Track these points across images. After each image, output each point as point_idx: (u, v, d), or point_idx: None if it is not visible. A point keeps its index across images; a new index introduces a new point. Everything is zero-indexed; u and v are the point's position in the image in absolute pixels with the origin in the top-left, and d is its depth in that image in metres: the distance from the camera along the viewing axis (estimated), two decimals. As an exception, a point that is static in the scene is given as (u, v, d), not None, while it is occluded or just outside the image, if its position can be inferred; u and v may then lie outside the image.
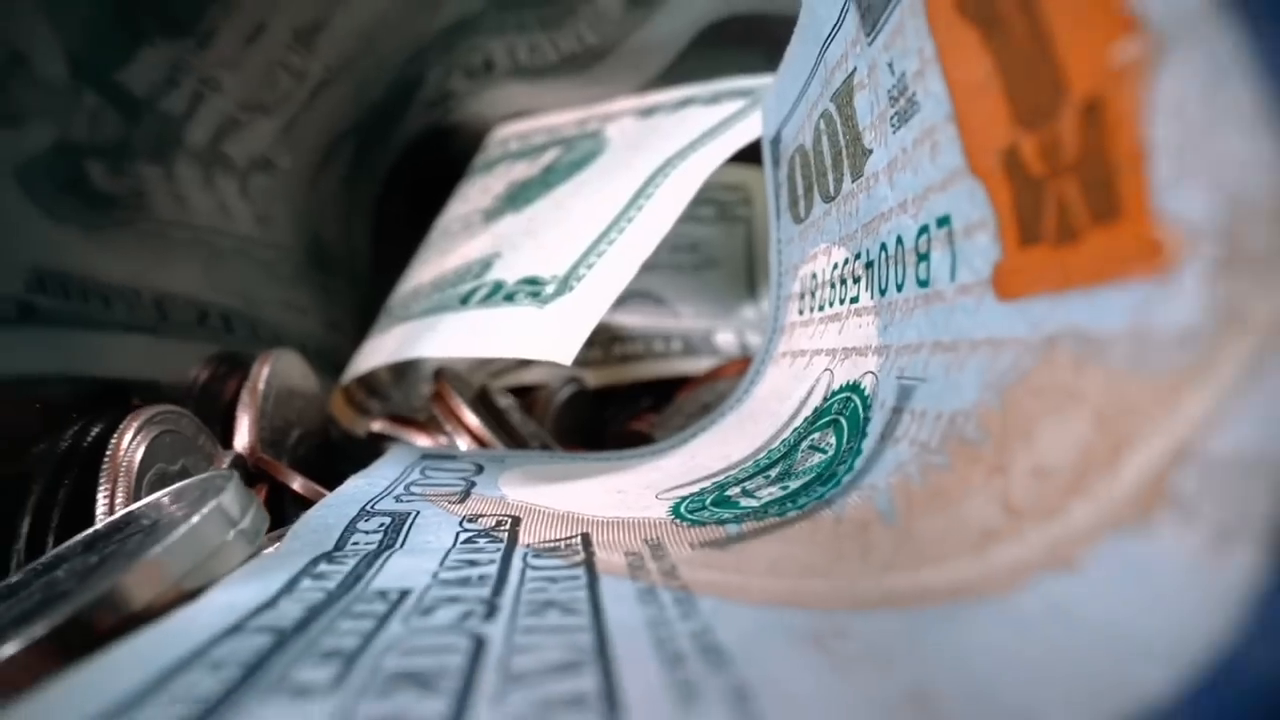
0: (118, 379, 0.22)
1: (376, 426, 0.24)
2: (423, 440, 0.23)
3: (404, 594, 0.10)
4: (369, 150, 0.35)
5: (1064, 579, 0.07)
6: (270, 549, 0.13)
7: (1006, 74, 0.09)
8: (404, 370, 0.30)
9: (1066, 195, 0.08)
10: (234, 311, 0.27)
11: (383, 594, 0.10)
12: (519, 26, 0.31)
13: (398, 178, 0.36)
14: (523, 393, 0.29)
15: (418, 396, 0.30)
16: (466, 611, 0.09)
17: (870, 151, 0.14)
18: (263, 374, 0.22)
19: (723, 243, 0.35)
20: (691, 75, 0.30)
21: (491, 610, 0.09)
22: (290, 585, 0.10)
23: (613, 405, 0.32)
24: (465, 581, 0.10)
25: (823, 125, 0.16)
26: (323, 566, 0.11)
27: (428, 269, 0.26)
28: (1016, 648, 0.07)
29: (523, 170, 0.29)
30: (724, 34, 0.30)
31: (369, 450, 0.25)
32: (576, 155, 0.27)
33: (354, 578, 0.11)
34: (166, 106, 0.24)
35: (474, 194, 0.30)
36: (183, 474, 0.17)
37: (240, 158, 0.29)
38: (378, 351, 0.24)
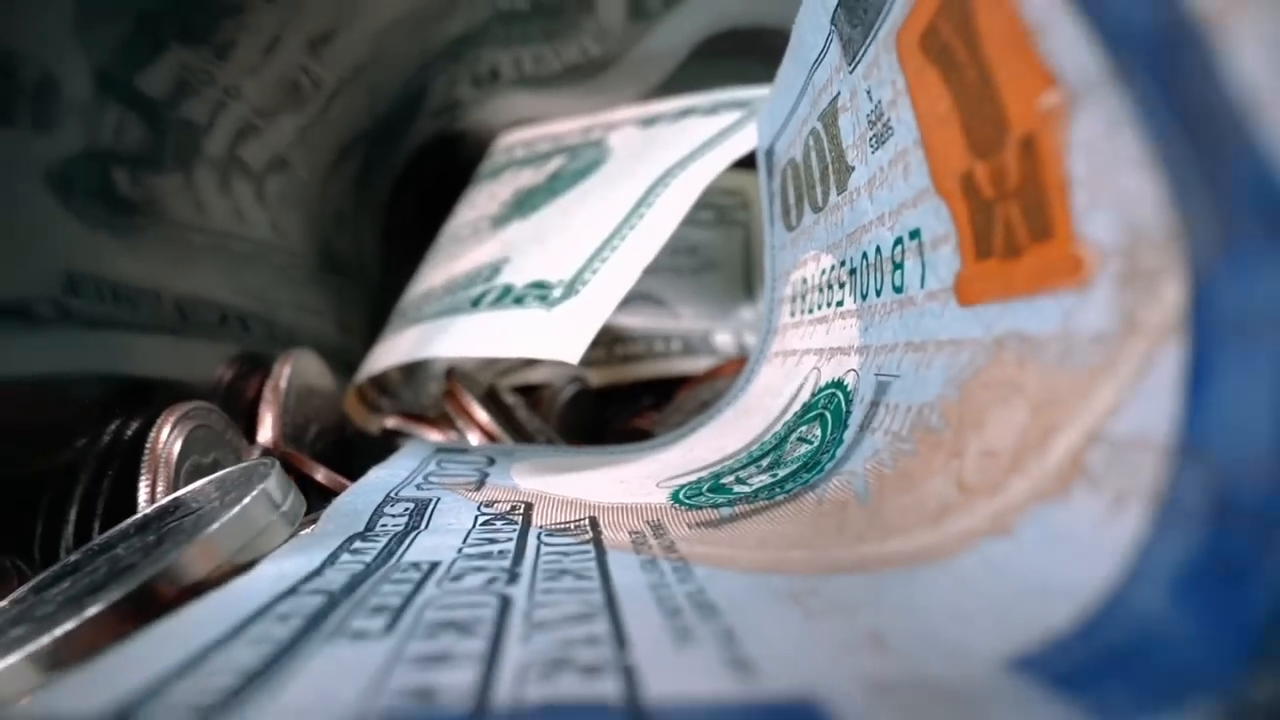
0: (145, 378, 0.23)
1: (390, 423, 0.25)
2: (434, 436, 0.24)
3: (434, 565, 0.11)
4: (378, 157, 0.36)
5: (1000, 542, 0.09)
6: (305, 531, 0.14)
7: (962, 109, 0.10)
8: (414, 370, 0.31)
9: (1011, 216, 0.10)
10: (252, 313, 0.29)
11: (415, 565, 0.11)
12: (524, 38, 0.33)
13: (406, 183, 0.37)
14: (528, 392, 0.31)
15: (426, 395, 0.31)
16: (491, 578, 0.10)
17: (853, 168, 0.15)
18: (284, 372, 0.23)
19: (721, 246, 0.36)
20: (692, 84, 0.31)
21: (513, 577, 0.10)
22: (331, 559, 0.12)
23: (615, 404, 0.33)
24: (487, 555, 0.12)
25: (811, 141, 0.17)
26: (357, 544, 0.13)
27: (439, 272, 0.28)
28: (957, 598, 0.08)
29: (529, 178, 0.30)
30: (722, 45, 0.32)
31: (382, 446, 0.26)
32: (580, 164, 0.28)
33: (387, 553, 0.12)
34: (188, 114, 0.26)
35: (482, 200, 0.31)
36: (215, 466, 0.19)
37: (256, 164, 0.30)
38: (392, 351, 0.25)
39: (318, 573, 0.11)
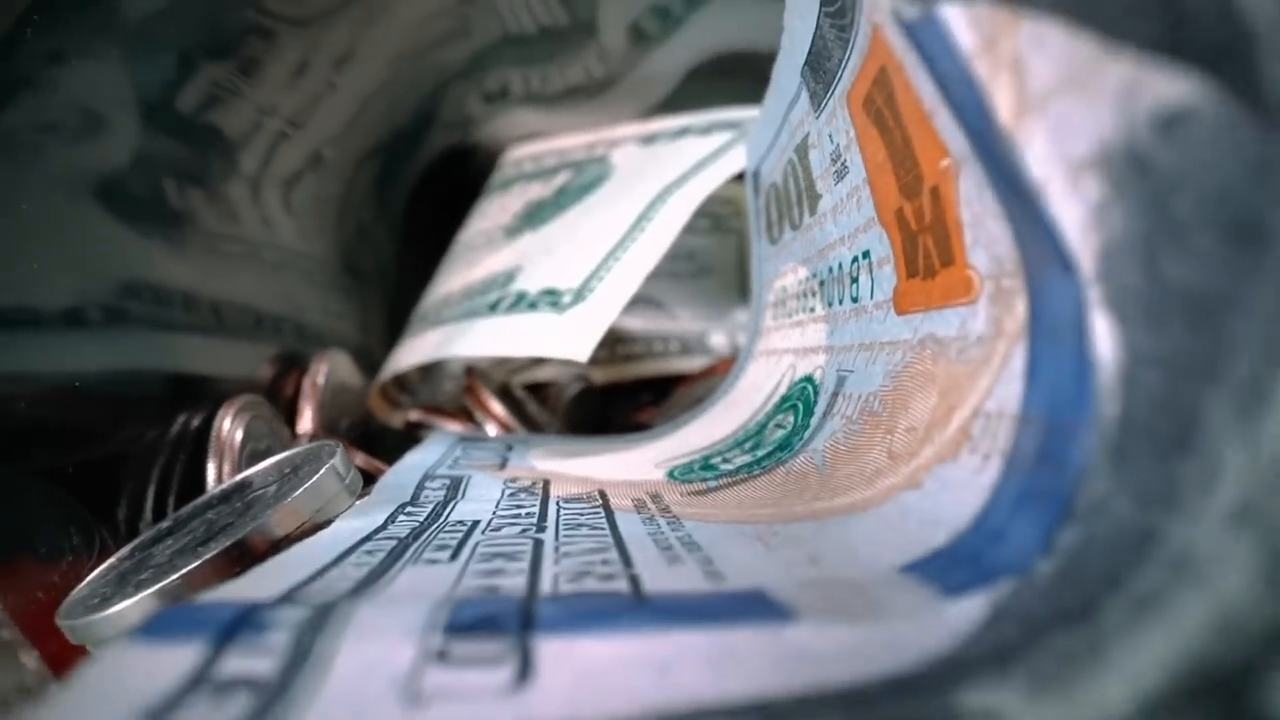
0: (197, 374, 0.26)
1: (414, 416, 0.28)
2: (454, 427, 0.27)
3: (476, 522, 0.14)
4: (395, 168, 0.39)
5: (912, 493, 0.12)
6: (359, 502, 0.17)
7: (893, 160, 0.13)
8: (431, 369, 0.34)
9: (928, 246, 0.13)
10: (283, 317, 0.32)
11: (460, 522, 0.14)
12: (531, 59, 0.36)
13: (421, 194, 0.40)
14: (537, 389, 0.34)
15: (442, 392, 0.34)
16: (524, 528, 0.13)
17: (820, 196, 0.18)
18: (321, 370, 0.26)
19: (716, 252, 0.39)
20: (689, 102, 0.34)
21: (540, 528, 0.13)
22: (390, 519, 0.15)
23: (617, 400, 0.36)
24: (517, 516, 0.15)
25: (789, 169, 0.20)
26: (409, 508, 0.16)
27: (456, 279, 0.31)
28: (876, 533, 0.11)
29: (537, 191, 0.33)
30: (716, 67, 0.35)
31: (405, 438, 0.29)
32: (586, 179, 0.31)
33: (435, 515, 0.15)
34: (228, 132, 0.29)
35: (493, 211, 0.34)
36: (268, 452, 0.22)
37: (285, 176, 0.33)
38: (416, 351, 0.28)
39: (383, 528, 0.14)
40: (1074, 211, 0.08)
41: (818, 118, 0.17)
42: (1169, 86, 0.07)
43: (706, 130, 0.31)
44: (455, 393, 0.33)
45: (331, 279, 0.36)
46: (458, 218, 0.38)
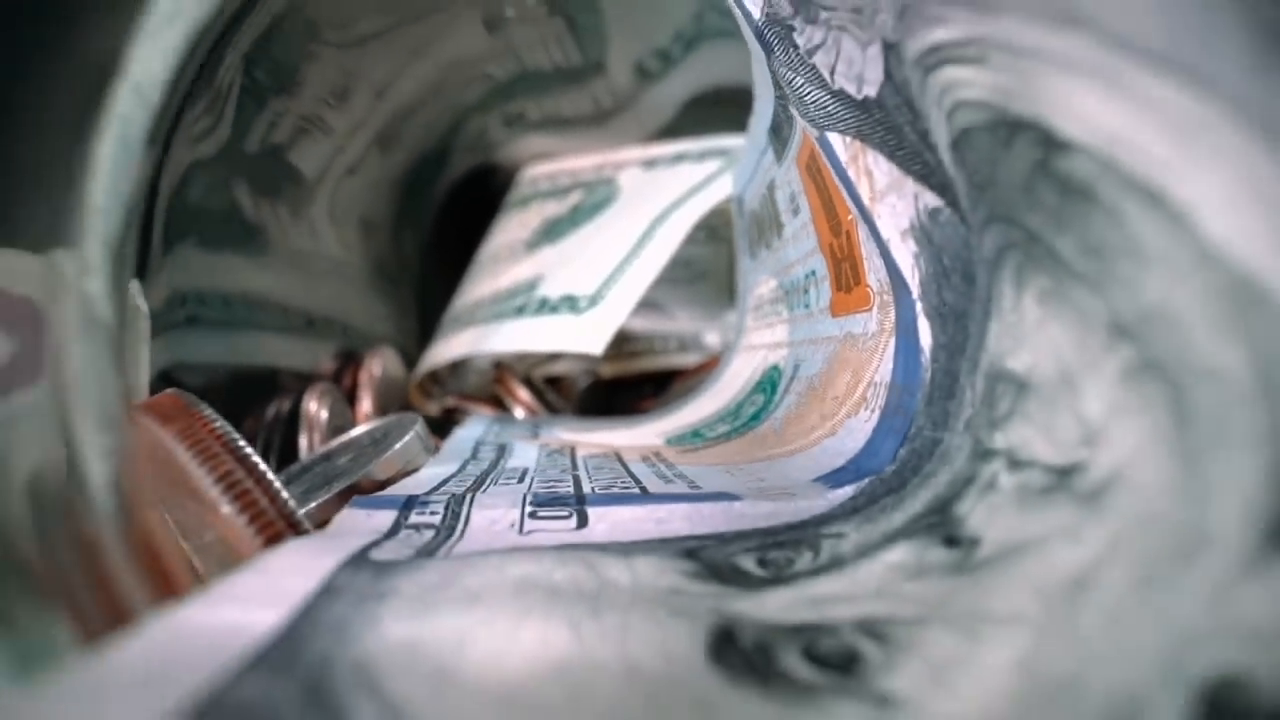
0: (270, 367, 0.32)
1: (451, 403, 0.34)
2: (486, 412, 0.34)
3: (526, 468, 0.20)
4: (423, 186, 0.45)
5: (831, 439, 0.18)
6: (431, 459, 0.23)
7: (824, 208, 0.19)
8: (459, 365, 0.41)
9: (846, 270, 0.19)
10: (330, 317, 0.38)
11: (514, 468, 0.20)
12: (546, 91, 0.42)
13: (447, 208, 0.46)
14: (552, 382, 0.40)
15: (468, 384, 0.41)
16: (562, 469, 0.20)
17: (784, 225, 0.24)
18: (376, 363, 0.32)
19: (711, 260, 0.45)
20: (686, 129, 0.40)
21: (574, 471, 0.20)
22: (461, 469, 0.21)
23: (622, 392, 0.42)
24: (555, 465, 0.21)
25: (764, 200, 0.26)
26: (470, 463, 0.22)
27: (484, 286, 0.37)
28: (805, 464, 0.17)
29: (553, 209, 0.39)
30: (709, 99, 0.41)
31: (441, 423, 0.35)
32: (596, 199, 0.37)
33: (494, 465, 0.21)
34: (294, 156, 0.35)
35: (514, 226, 0.41)
36: (343, 428, 0.28)
37: (329, 191, 0.39)
38: (452, 348, 0.34)
39: (459, 471, 0.20)
40: (905, 259, 0.14)
41: (779, 167, 0.23)
42: (931, 197, 0.13)
43: (701, 157, 0.37)
44: (480, 384, 0.39)
45: (369, 284, 0.42)
46: (480, 230, 0.44)
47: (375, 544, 0.12)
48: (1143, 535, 0.08)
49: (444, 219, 0.47)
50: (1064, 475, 0.10)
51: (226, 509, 0.12)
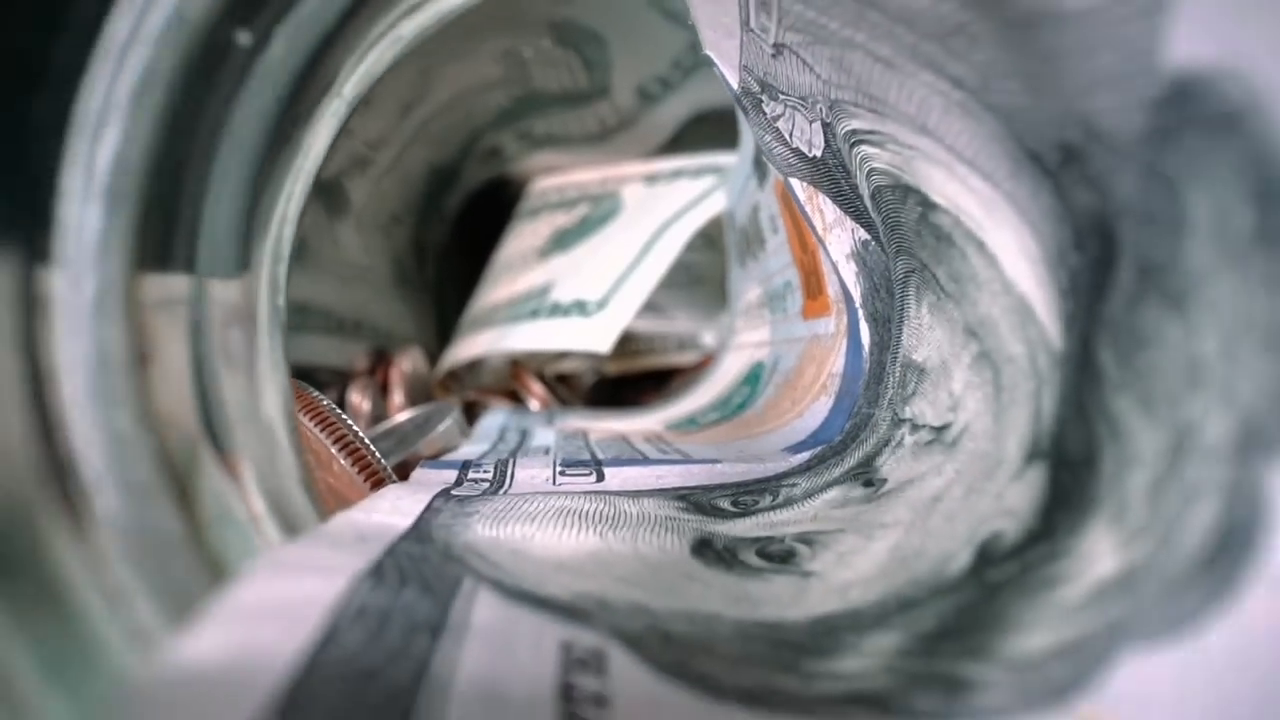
0: (307, 365, 0.37)
1: (472, 396, 0.39)
2: (503, 404, 0.38)
3: (548, 446, 0.25)
4: (439, 197, 0.50)
5: (798, 419, 0.22)
6: (465, 440, 0.28)
7: (796, 229, 0.24)
8: (475, 363, 0.45)
9: (812, 281, 0.23)
10: (359, 320, 0.43)
11: (538, 446, 0.25)
12: (554, 111, 0.47)
13: (460, 217, 0.51)
14: (561, 379, 0.44)
15: (483, 381, 0.45)
16: (579, 446, 0.24)
17: (766, 240, 0.29)
18: (404, 361, 0.37)
19: (707, 265, 0.50)
20: (684, 145, 0.45)
21: (589, 447, 0.24)
22: (493, 447, 0.25)
23: (625, 388, 0.47)
24: (571, 443, 0.25)
25: (750, 217, 0.31)
26: (499, 444, 0.26)
27: (500, 291, 0.42)
28: (775, 440, 0.22)
29: (562, 220, 0.44)
30: (706, 119, 0.45)
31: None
32: (602, 212, 0.42)
33: (518, 444, 0.26)
34: (333, 171, 0.39)
35: (525, 235, 0.45)
36: (381, 417, 0.33)
37: (356, 202, 0.44)
38: (472, 346, 0.39)
39: (492, 449, 0.25)
40: (849, 277, 0.19)
41: (761, 192, 0.28)
42: (862, 232, 0.17)
43: (697, 173, 0.42)
44: (493, 380, 0.43)
45: (390, 289, 0.47)
46: (492, 238, 0.49)
47: (450, 488, 0.16)
48: (972, 465, 0.13)
49: (459, 228, 0.52)
50: (939, 431, 0.14)
51: (344, 462, 0.17)
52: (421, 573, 0.11)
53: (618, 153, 0.48)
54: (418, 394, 0.38)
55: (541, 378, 0.40)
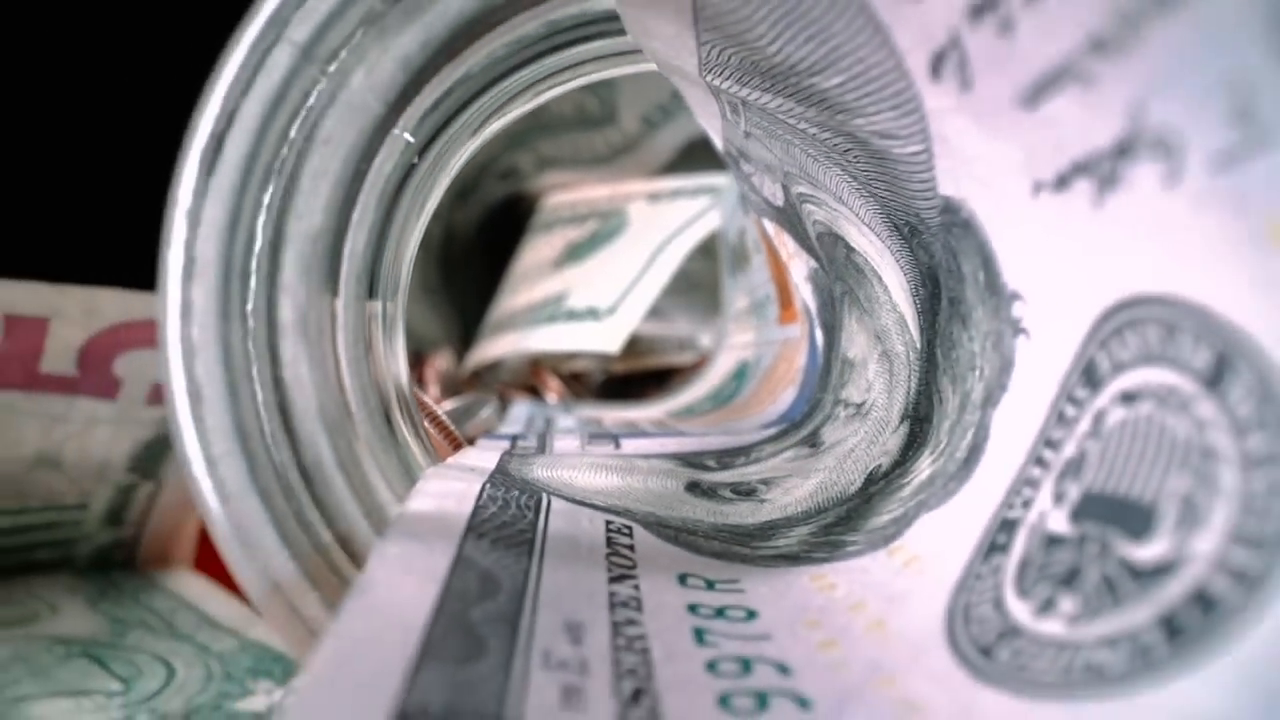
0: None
1: (496, 390, 0.46)
2: (523, 397, 0.45)
3: (572, 428, 0.32)
4: (461, 211, 0.57)
5: (773, 405, 0.29)
6: (501, 424, 0.34)
7: (772, 253, 0.31)
8: (496, 362, 0.52)
9: (784, 294, 0.30)
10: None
11: (564, 427, 0.32)
12: (566, 134, 0.53)
13: (480, 230, 0.58)
14: (573, 376, 0.51)
15: (503, 378, 0.52)
16: (598, 427, 0.31)
17: (751, 257, 0.36)
18: (440, 359, 0.44)
19: (704, 274, 0.57)
20: (685, 165, 0.52)
21: (605, 427, 0.31)
22: (528, 428, 0.32)
23: (630, 386, 0.54)
24: (591, 427, 0.32)
25: (739, 236, 0.38)
26: (532, 424, 0.33)
27: (519, 298, 0.49)
28: (754, 419, 0.29)
29: (574, 234, 0.51)
30: (701, 144, 0.52)
31: (486, 408, 0.47)
32: (610, 227, 0.49)
33: (546, 426, 0.33)
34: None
35: (540, 247, 0.52)
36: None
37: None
38: (496, 347, 0.46)
39: (527, 429, 0.32)
40: (808, 294, 0.26)
41: (747, 218, 0.35)
42: (813, 262, 0.24)
43: (695, 193, 0.48)
44: (512, 377, 0.50)
45: (422, 297, 0.54)
46: (506, 247, 0.56)
47: (509, 451, 0.23)
48: (873, 427, 0.20)
49: (479, 240, 0.59)
50: (859, 407, 0.21)
51: (433, 431, 0.24)
52: (516, 485, 0.18)
53: (623, 172, 0.55)
54: (449, 388, 0.45)
55: (557, 373, 0.47)
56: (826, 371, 0.25)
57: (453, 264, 0.57)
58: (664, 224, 0.46)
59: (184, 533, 0.40)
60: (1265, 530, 0.08)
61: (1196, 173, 0.08)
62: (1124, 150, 0.09)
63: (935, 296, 0.16)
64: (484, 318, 0.52)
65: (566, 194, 0.56)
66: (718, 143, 0.26)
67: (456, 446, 0.24)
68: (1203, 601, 0.08)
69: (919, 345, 0.18)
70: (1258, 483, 0.08)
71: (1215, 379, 0.09)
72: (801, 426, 0.25)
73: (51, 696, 0.29)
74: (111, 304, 0.30)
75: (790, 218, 0.24)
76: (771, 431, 0.26)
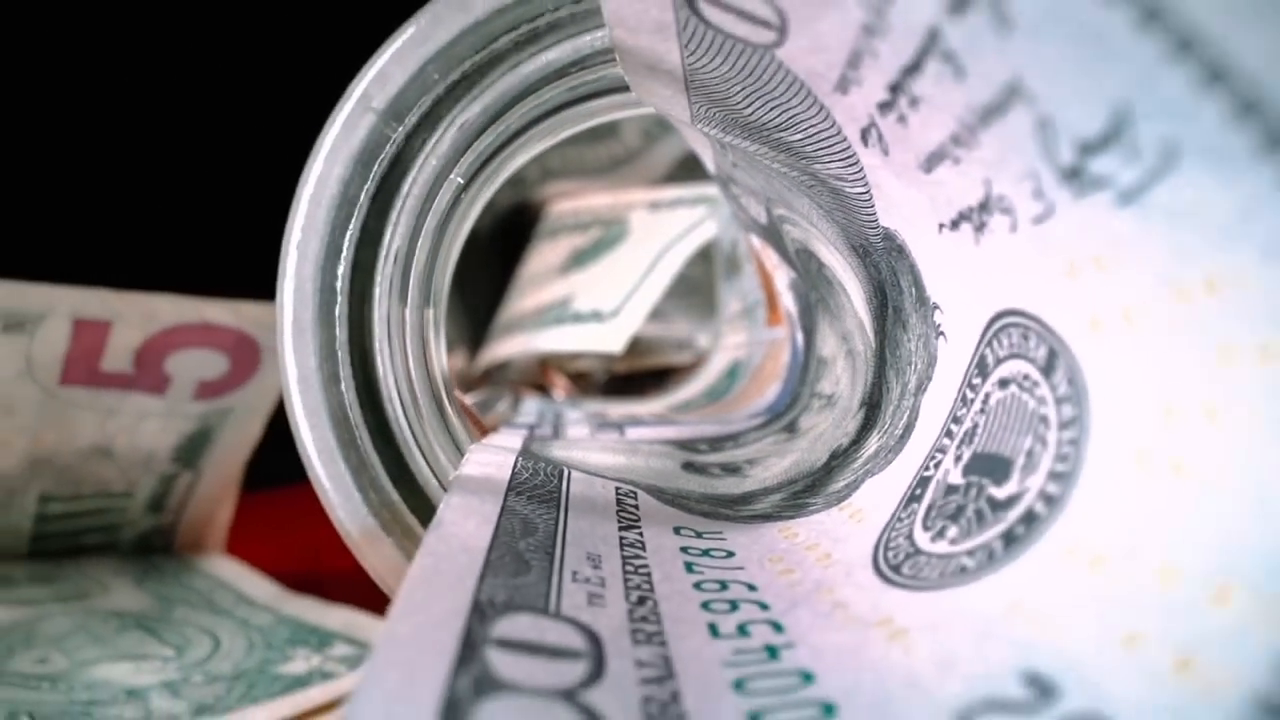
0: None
1: (506, 387, 0.50)
2: (531, 393, 0.49)
3: (581, 419, 0.36)
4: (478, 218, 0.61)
5: (761, 398, 0.34)
6: (516, 415, 0.39)
7: (760, 270, 0.35)
8: (504, 363, 0.56)
9: (771, 299, 0.35)
10: (408, 325, 0.54)
11: (573, 419, 0.36)
12: (567, 146, 0.58)
13: (490, 236, 0.62)
14: (577, 376, 0.56)
15: (511, 376, 0.56)
16: (604, 419, 0.35)
17: (743, 265, 0.40)
18: (453, 358, 0.48)
19: (702, 278, 0.61)
20: (683, 175, 0.56)
21: (610, 419, 0.35)
22: (541, 419, 0.37)
23: (631, 384, 0.58)
24: (597, 419, 0.37)
25: (732, 246, 0.42)
26: (544, 417, 0.37)
27: (527, 301, 0.53)
28: (743, 411, 0.33)
29: (579, 240, 0.55)
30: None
31: (496, 404, 0.51)
32: (612, 235, 0.53)
33: (557, 418, 0.37)
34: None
35: (546, 253, 0.57)
36: (440, 403, 0.44)
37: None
38: (506, 347, 0.50)
39: (541, 421, 0.36)
40: (789, 301, 0.30)
41: (739, 230, 0.39)
42: (793, 273, 0.28)
43: (693, 202, 0.53)
44: (519, 376, 0.55)
45: (432, 298, 0.58)
46: (515, 254, 0.60)
47: (529, 436, 0.28)
48: (838, 414, 0.24)
49: (489, 246, 0.63)
50: (829, 399, 0.26)
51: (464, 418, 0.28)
52: (541, 460, 0.22)
53: (624, 181, 0.59)
54: (462, 386, 0.49)
55: (564, 373, 0.51)
56: (805, 368, 0.29)
57: (464, 268, 0.62)
58: (664, 231, 0.50)
59: (218, 520, 0.44)
60: (1067, 469, 0.12)
61: (1025, 225, 0.13)
62: (984, 206, 0.14)
63: (884, 305, 0.21)
64: (493, 319, 0.57)
65: (571, 202, 0.60)
66: (710, 168, 0.30)
67: (483, 432, 0.29)
68: (1028, 518, 0.13)
69: (874, 345, 0.22)
70: (1066, 437, 0.13)
71: (1049, 368, 0.13)
72: (783, 416, 0.29)
73: (114, 660, 0.33)
74: (167, 309, 0.35)
75: (773, 234, 0.28)
76: (757, 421, 0.30)
